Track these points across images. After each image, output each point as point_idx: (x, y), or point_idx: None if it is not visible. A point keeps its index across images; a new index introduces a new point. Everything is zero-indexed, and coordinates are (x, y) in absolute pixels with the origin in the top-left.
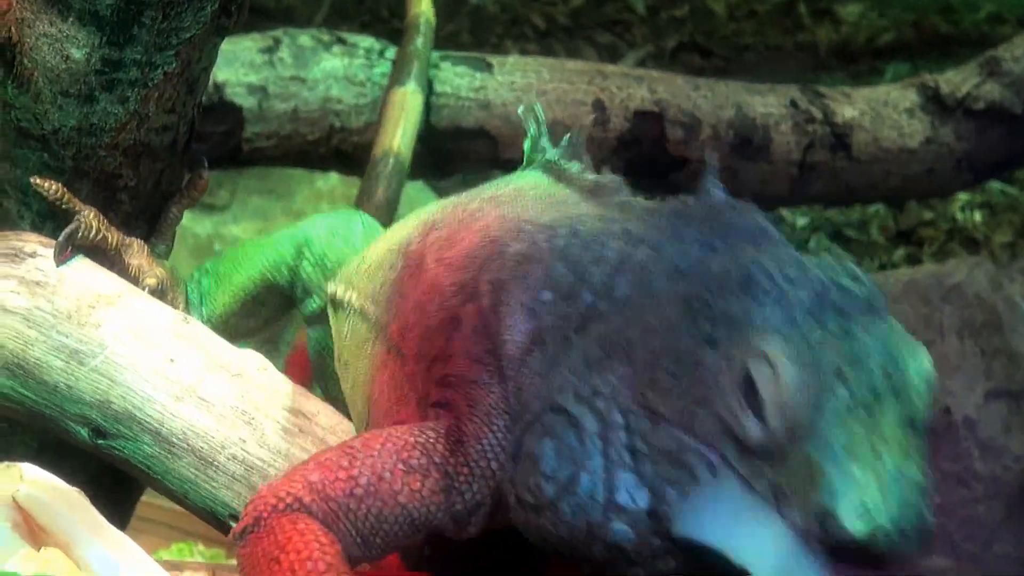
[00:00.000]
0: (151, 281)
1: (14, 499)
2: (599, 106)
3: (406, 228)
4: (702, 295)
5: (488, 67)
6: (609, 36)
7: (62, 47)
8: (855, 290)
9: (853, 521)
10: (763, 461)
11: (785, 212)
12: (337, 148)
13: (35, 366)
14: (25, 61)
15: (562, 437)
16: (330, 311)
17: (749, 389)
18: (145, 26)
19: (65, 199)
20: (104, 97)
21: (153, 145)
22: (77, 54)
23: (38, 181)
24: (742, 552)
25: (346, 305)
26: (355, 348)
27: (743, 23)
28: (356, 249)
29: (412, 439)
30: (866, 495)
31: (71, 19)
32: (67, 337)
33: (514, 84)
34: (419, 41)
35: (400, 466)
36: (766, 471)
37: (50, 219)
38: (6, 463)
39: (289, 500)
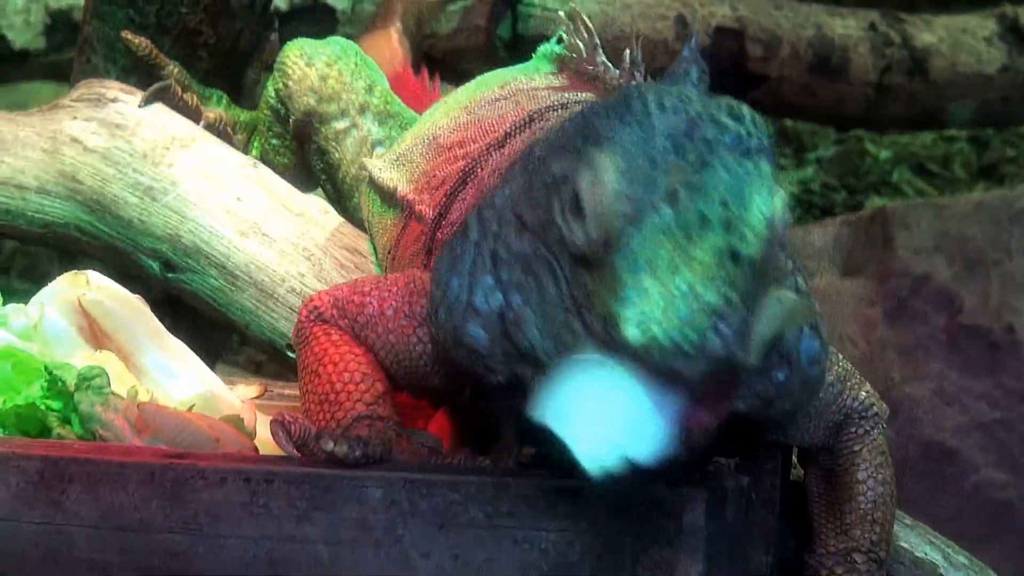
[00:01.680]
0: (229, 130)
1: (80, 303)
2: (681, 21)
3: (434, 120)
4: (578, 116)
5: None
6: None
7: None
8: (732, 128)
9: (631, 328)
10: (584, 269)
11: (869, 145)
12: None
13: (112, 202)
14: None
15: (452, 246)
16: (367, 188)
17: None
18: None
19: (152, 54)
20: None
21: (232, 4)
22: None
23: (128, 36)
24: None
25: (380, 182)
26: (382, 214)
27: None
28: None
29: (421, 287)
30: (649, 306)
31: None
32: (142, 175)
33: None
34: None
35: (404, 308)
36: (586, 280)
37: (134, 73)
38: (75, 271)
39: (318, 310)
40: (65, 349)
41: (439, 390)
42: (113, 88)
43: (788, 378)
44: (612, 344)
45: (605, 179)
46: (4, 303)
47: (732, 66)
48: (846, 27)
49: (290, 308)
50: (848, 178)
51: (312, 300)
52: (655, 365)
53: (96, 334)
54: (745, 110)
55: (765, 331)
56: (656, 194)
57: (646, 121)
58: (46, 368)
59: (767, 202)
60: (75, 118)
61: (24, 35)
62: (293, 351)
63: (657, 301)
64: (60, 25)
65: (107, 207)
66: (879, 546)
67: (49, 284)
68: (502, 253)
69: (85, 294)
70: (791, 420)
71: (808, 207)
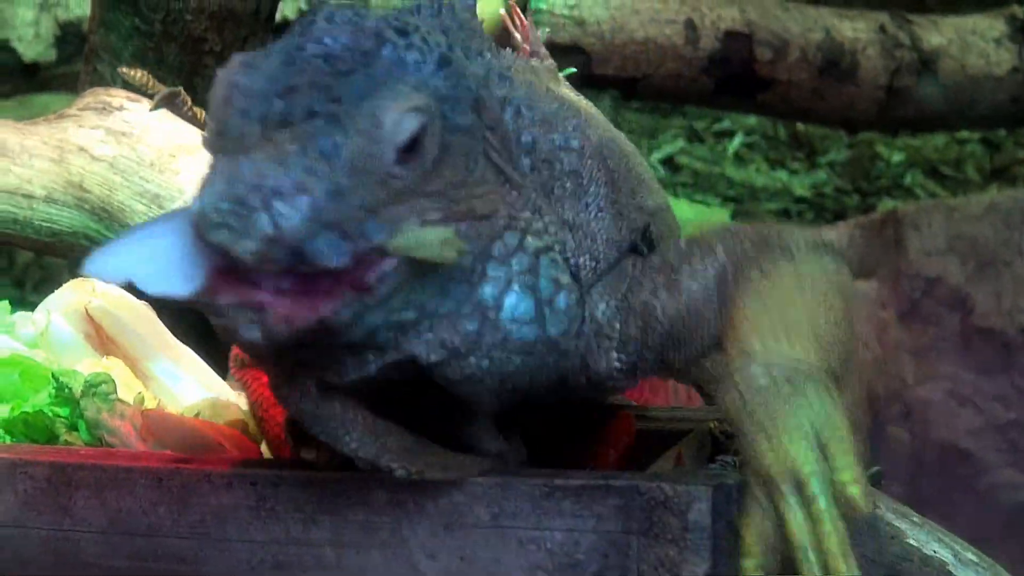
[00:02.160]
0: None
1: (86, 310)
2: (690, 25)
3: None
4: None
5: None
6: None
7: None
8: (391, 42)
9: (194, 203)
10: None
11: (881, 148)
12: None
13: (119, 210)
14: None
15: None
16: None
17: None
18: None
19: (150, 86)
20: None
21: (237, 11)
22: None
23: (125, 70)
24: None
25: None
26: None
27: None
28: None
29: None
30: (212, 183)
31: None
32: (149, 183)
33: (608, 2)
34: None
35: None
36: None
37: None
38: (81, 277)
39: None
40: (72, 356)
41: None
42: (119, 96)
43: (478, 331)
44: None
45: (225, 75)
46: (12, 312)
47: (741, 70)
48: (855, 30)
49: None
50: (860, 181)
51: None
52: (208, 242)
53: (103, 340)
54: (421, 31)
55: (394, 243)
56: (276, 87)
57: (308, 30)
58: (53, 375)
59: (384, 104)
60: (81, 127)
61: (34, 47)
62: None
63: (220, 178)
64: (70, 37)
65: (114, 215)
66: (787, 344)
67: (55, 291)
68: None
69: (91, 301)
70: (503, 388)
71: (820, 210)
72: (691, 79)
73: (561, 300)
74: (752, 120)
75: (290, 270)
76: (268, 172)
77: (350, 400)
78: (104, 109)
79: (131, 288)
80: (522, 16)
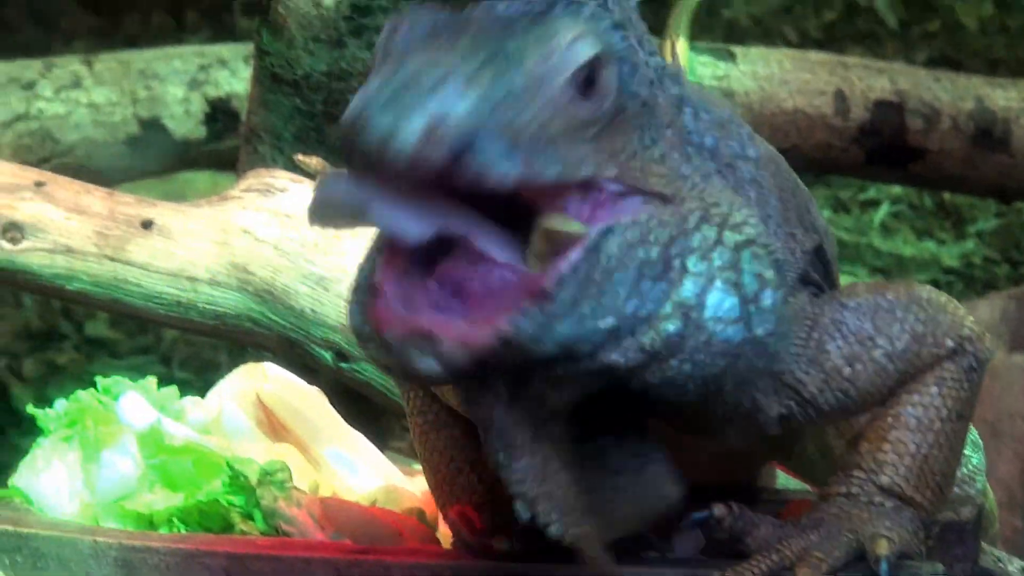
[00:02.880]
0: None
1: (258, 396)
2: (840, 96)
3: None
4: None
5: (731, 57)
6: (860, 49)
7: None
8: (563, 2)
9: (347, 111)
10: None
11: None
12: None
13: (283, 292)
14: (279, 8)
15: None
16: None
17: None
18: None
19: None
20: (352, 43)
21: None
22: (328, 1)
23: (301, 158)
24: None
25: None
26: None
27: (994, 37)
28: None
29: None
30: (370, 84)
31: None
32: (313, 264)
33: (756, 73)
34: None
35: None
36: None
37: None
38: (253, 362)
39: None
40: (244, 442)
41: None
42: (282, 177)
43: (681, 332)
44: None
45: (393, 19)
46: (180, 396)
47: (892, 140)
48: (1007, 98)
49: None
50: (1010, 251)
51: None
52: (365, 143)
53: (275, 427)
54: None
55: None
56: (442, 22)
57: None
58: (227, 463)
59: (561, 28)
60: (245, 208)
61: (185, 125)
62: None
63: (380, 77)
64: (220, 114)
65: (279, 297)
66: (901, 479)
67: (226, 377)
68: None
69: (263, 387)
70: (705, 392)
71: (969, 281)
72: (841, 149)
73: (767, 297)
74: (898, 190)
75: (448, 172)
76: (441, 62)
77: (527, 426)
78: (267, 191)
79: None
80: None
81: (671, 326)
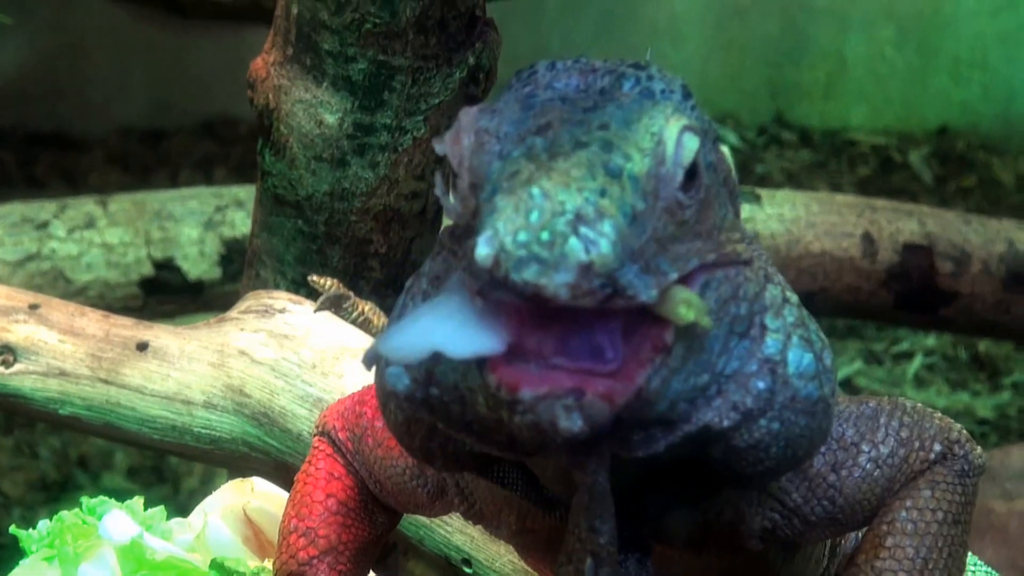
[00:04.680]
0: None
1: (244, 512)
2: (867, 238)
3: None
4: None
5: (757, 199)
6: (895, 204)
7: (316, 112)
8: (631, 75)
9: (482, 248)
10: (469, 238)
11: None
12: None
13: (280, 414)
14: (281, 127)
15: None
16: None
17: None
18: (395, 91)
19: (343, 293)
20: (356, 162)
21: (403, 212)
22: (330, 119)
23: (314, 279)
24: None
25: None
26: None
27: None
28: None
29: None
30: (501, 220)
31: (325, 84)
32: (311, 386)
33: (783, 216)
34: None
35: None
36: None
37: (304, 285)
38: (240, 478)
39: (324, 422)
40: (232, 561)
41: (430, 511)
42: (281, 298)
43: (771, 388)
44: (475, 276)
45: (466, 125)
46: (168, 517)
47: (921, 283)
48: None
49: (463, 521)
50: None
51: (324, 411)
52: (513, 284)
53: (261, 543)
54: (653, 65)
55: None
56: (526, 128)
57: (531, 80)
58: (215, 560)
59: (660, 123)
60: (243, 330)
61: (199, 266)
62: (468, 565)
63: (508, 213)
64: (235, 255)
65: (275, 420)
66: None
67: (213, 493)
68: (425, 286)
69: (250, 502)
70: (784, 457)
71: (1005, 433)
72: (869, 293)
73: (828, 356)
74: (932, 341)
75: (610, 305)
76: (564, 197)
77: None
78: (266, 312)
79: (435, 357)
80: None
81: (761, 383)
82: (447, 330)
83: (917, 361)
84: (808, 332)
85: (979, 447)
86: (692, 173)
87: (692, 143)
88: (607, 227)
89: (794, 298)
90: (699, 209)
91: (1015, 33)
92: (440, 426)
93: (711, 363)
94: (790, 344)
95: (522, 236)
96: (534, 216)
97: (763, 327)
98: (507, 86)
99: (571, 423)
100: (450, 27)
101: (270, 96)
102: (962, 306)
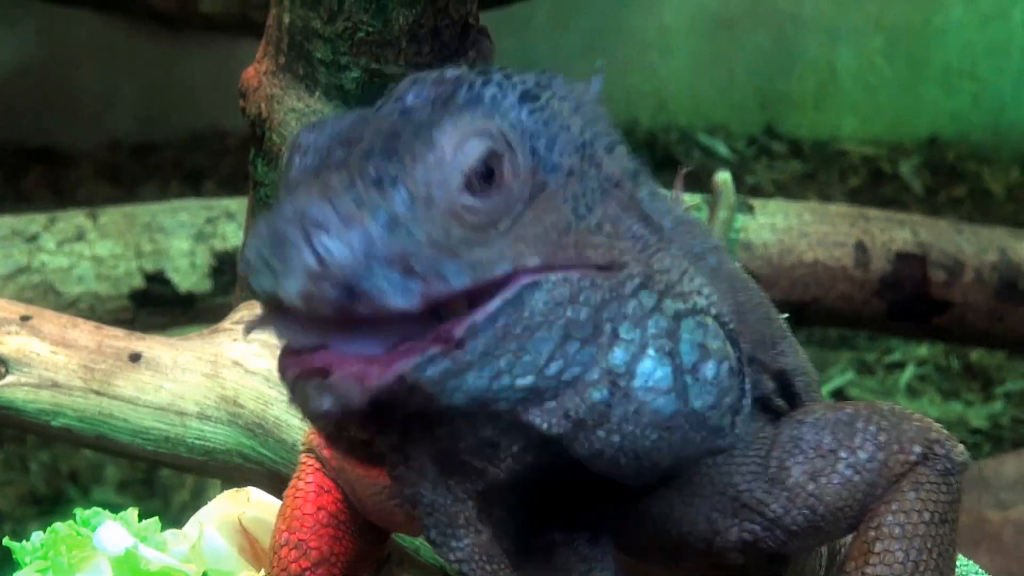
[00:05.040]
0: None
1: (240, 522)
2: (860, 248)
3: None
4: None
5: (750, 209)
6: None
7: (309, 121)
8: (470, 83)
9: (240, 260)
10: None
11: None
12: None
13: (274, 424)
14: (274, 137)
15: None
16: None
17: None
18: None
19: None
20: None
21: None
22: None
23: None
24: None
25: None
26: None
27: (1022, 203)
28: None
29: None
30: (257, 232)
31: (318, 94)
32: None
33: (775, 226)
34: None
35: None
36: None
37: None
38: (236, 488)
39: (308, 441)
40: (228, 571)
41: (409, 529)
42: None
43: (607, 401)
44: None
45: (291, 139)
46: (162, 529)
47: (914, 292)
48: None
49: None
50: None
51: (309, 429)
52: (254, 291)
53: (257, 553)
54: (512, 74)
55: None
56: (341, 138)
57: (393, 92)
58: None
59: (444, 129)
60: (236, 340)
61: (189, 278)
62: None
63: (260, 225)
64: (225, 267)
65: (269, 430)
66: None
67: (209, 503)
68: None
69: (245, 512)
70: (639, 467)
71: (998, 442)
72: (863, 302)
73: (708, 369)
74: (924, 351)
75: (349, 311)
76: (310, 206)
77: (470, 502)
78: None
79: None
80: None
81: (597, 394)
82: None
83: (909, 371)
84: (675, 344)
85: (960, 444)
86: (487, 176)
87: (476, 148)
88: (351, 235)
89: (676, 307)
90: (522, 210)
91: (1004, 43)
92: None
93: (536, 365)
94: (643, 356)
95: (260, 247)
96: (272, 226)
97: (615, 335)
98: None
99: (320, 402)
100: (443, 35)
101: (262, 105)
102: (955, 315)
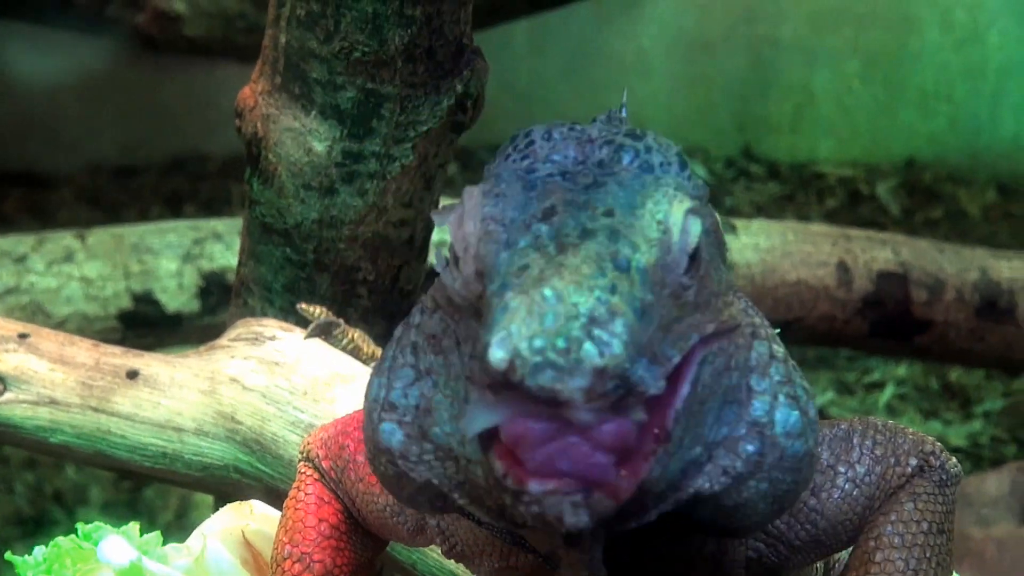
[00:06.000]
0: None
1: (243, 534)
2: (843, 267)
3: None
4: None
5: (732, 229)
6: (869, 233)
7: (305, 140)
8: (629, 146)
9: (495, 351)
10: (475, 320)
11: None
12: None
13: (272, 441)
14: (270, 156)
15: (383, 352)
16: None
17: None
18: (384, 119)
19: (332, 320)
20: (344, 189)
21: (391, 239)
22: (319, 147)
23: (303, 307)
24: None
25: None
26: None
27: (998, 225)
28: None
29: None
30: (514, 323)
31: (314, 113)
32: (303, 412)
33: (758, 246)
34: None
35: None
36: (476, 331)
37: (291, 313)
38: (239, 501)
39: (308, 448)
40: None
41: (410, 543)
42: (271, 326)
43: (760, 451)
44: (487, 375)
45: (470, 209)
46: (163, 543)
47: (896, 311)
48: (1012, 269)
49: None
50: (1018, 431)
51: (308, 437)
52: (528, 388)
53: (260, 566)
54: (649, 133)
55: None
56: (530, 213)
57: (528, 151)
58: None
59: (664, 209)
60: (233, 357)
61: (177, 299)
62: None
63: (522, 315)
64: (213, 287)
65: (267, 446)
66: None
67: (212, 515)
68: (419, 340)
69: (249, 524)
70: (771, 511)
71: (977, 461)
72: (845, 321)
73: (812, 408)
74: (903, 371)
75: (622, 404)
76: (577, 298)
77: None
78: (256, 339)
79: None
80: None
81: (750, 446)
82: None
83: (889, 391)
84: (794, 388)
85: (953, 457)
86: (694, 255)
87: (696, 227)
88: (619, 327)
89: (780, 351)
90: (700, 286)
91: (980, 66)
92: (434, 482)
93: (703, 435)
94: (777, 404)
95: (538, 342)
96: (548, 320)
97: (750, 389)
98: (502, 152)
99: (578, 519)
100: (438, 55)
101: (258, 125)
102: (937, 334)
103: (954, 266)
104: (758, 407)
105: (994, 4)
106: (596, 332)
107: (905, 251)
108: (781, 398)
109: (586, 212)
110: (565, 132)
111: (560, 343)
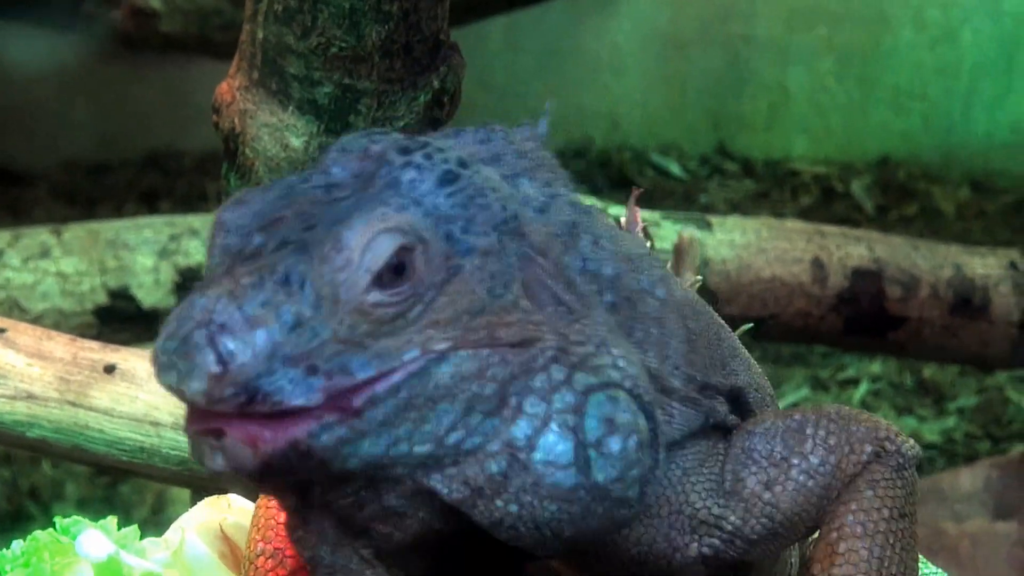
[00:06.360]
0: None
1: (221, 528)
2: (817, 264)
3: None
4: None
5: (708, 226)
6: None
7: (282, 136)
8: (391, 162)
9: (156, 341)
10: None
11: (1011, 393)
12: None
13: None
14: (247, 151)
15: None
16: None
17: None
18: (361, 114)
19: None
20: None
21: None
22: (296, 142)
23: None
24: None
25: None
26: None
27: (972, 222)
28: None
29: None
30: (168, 321)
31: (291, 108)
32: None
33: (733, 242)
34: None
35: None
36: None
37: None
38: (217, 495)
39: None
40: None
41: None
42: None
43: (504, 472)
44: None
45: (216, 216)
46: (141, 537)
47: (871, 308)
48: (986, 266)
49: None
50: (991, 427)
51: None
52: (163, 386)
53: (238, 560)
54: (430, 145)
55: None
56: (261, 221)
57: (320, 161)
58: None
59: (355, 228)
60: None
61: (153, 294)
62: None
63: (174, 316)
64: (189, 283)
65: None
66: None
67: (190, 509)
68: None
69: (226, 518)
70: (542, 538)
71: (951, 456)
72: (819, 318)
73: (614, 443)
74: (877, 368)
75: (248, 409)
76: (217, 307)
77: (374, 558)
78: None
79: None
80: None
81: (494, 465)
82: None
83: (863, 387)
84: (580, 419)
85: (911, 439)
86: (399, 269)
87: (384, 247)
88: (257, 336)
89: (587, 381)
90: (434, 296)
91: (954, 65)
92: None
93: (436, 434)
94: (545, 431)
95: (168, 344)
96: (184, 325)
97: (519, 409)
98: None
99: (212, 461)
100: (415, 51)
101: (235, 120)
102: (911, 330)
103: (928, 263)
104: (520, 428)
105: (967, 3)
106: (224, 340)
107: (879, 248)
108: (554, 426)
109: (299, 225)
110: (362, 143)
111: (180, 346)
